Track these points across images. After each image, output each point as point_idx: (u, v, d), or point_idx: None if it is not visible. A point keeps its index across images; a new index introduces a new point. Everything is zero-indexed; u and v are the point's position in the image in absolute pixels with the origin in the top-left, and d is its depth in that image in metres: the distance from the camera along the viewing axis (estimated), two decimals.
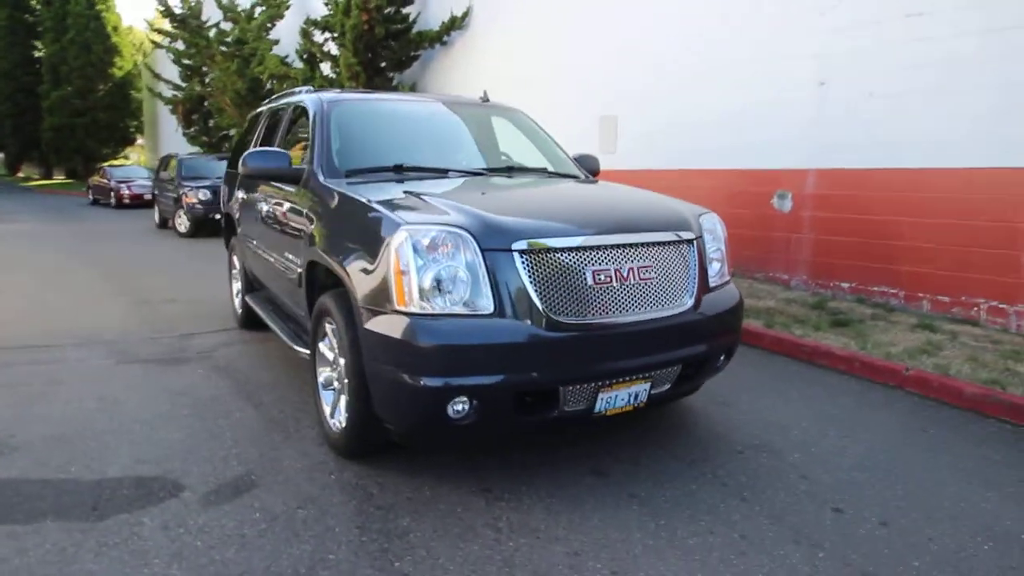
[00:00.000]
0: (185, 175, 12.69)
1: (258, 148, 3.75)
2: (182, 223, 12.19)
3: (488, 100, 4.67)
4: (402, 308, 2.59)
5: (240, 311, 5.45)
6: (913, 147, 5.33)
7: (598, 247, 2.76)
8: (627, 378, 2.79)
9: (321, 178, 3.47)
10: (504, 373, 2.58)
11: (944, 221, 5.21)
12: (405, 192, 3.12)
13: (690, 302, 2.96)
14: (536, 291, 2.61)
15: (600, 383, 2.73)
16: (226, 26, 15.99)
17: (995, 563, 2.36)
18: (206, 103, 18.28)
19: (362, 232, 2.87)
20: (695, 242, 3.07)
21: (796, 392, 4.06)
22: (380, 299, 2.66)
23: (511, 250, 2.63)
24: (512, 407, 2.65)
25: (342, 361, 3.05)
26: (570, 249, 2.71)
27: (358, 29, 9.72)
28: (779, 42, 6.25)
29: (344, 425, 3.02)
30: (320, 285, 3.42)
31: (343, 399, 3.09)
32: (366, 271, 2.76)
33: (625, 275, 2.78)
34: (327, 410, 3.25)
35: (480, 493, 2.79)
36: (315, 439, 3.30)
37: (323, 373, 3.32)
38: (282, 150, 3.72)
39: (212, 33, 16.68)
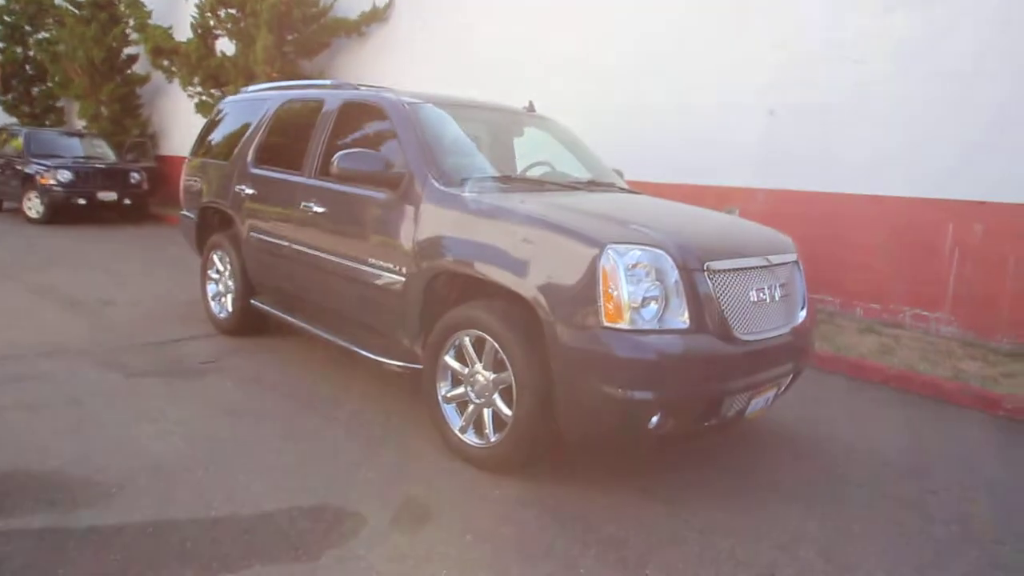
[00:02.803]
0: (35, 152, 10.90)
1: (354, 149, 3.49)
2: (33, 207, 10.48)
3: (534, 110, 4.72)
4: (611, 325, 2.66)
5: (226, 316, 4.97)
6: (853, 173, 6.19)
7: (758, 268, 3.03)
8: (768, 385, 3.10)
9: (439, 186, 3.36)
10: (705, 385, 2.76)
11: (876, 240, 6.12)
12: (558, 206, 3.15)
13: (804, 316, 3.33)
14: (723, 309, 2.82)
15: (755, 391, 3.00)
16: None
17: None
18: (28, 67, 15.73)
19: (545, 248, 2.85)
20: (800, 263, 3.45)
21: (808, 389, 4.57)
22: (582, 315, 2.70)
23: (703, 270, 2.80)
24: (705, 415, 2.83)
25: (490, 375, 3.02)
26: (742, 270, 2.95)
27: (277, 8, 9.02)
28: (734, 73, 6.89)
29: (498, 439, 2.99)
30: (436, 298, 3.32)
31: (487, 412, 3.06)
32: (559, 287, 2.77)
33: (774, 293, 3.08)
34: (456, 424, 3.18)
35: (659, 502, 2.92)
36: (439, 454, 3.19)
37: (446, 387, 3.23)
38: (377, 152, 3.51)
39: None
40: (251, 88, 5.37)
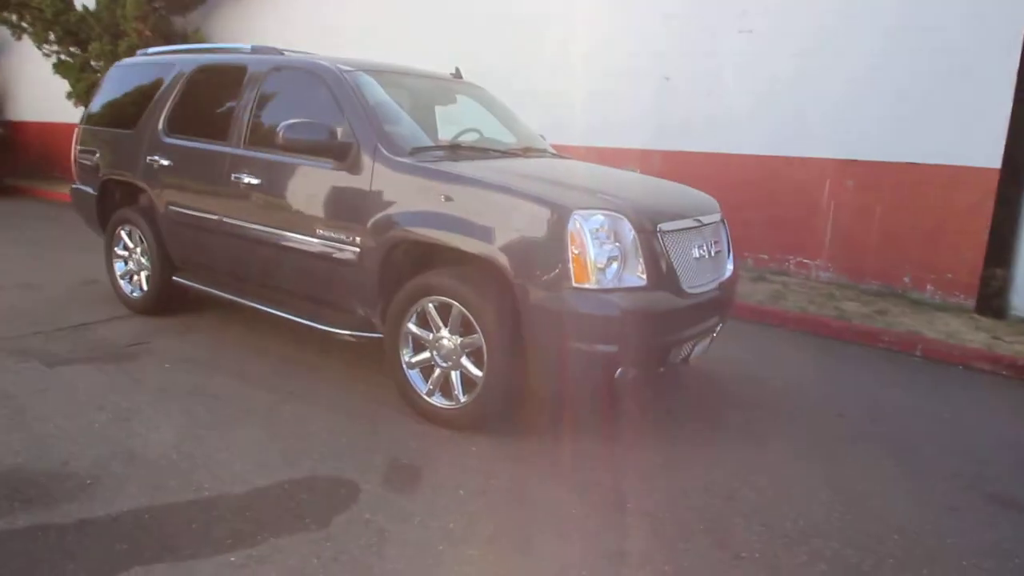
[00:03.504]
0: None
1: (301, 120, 3.39)
2: None
3: (461, 76, 4.75)
4: (579, 285, 2.86)
5: (141, 295, 4.71)
6: (742, 135, 6.73)
7: (697, 227, 3.34)
8: (706, 333, 3.44)
9: (390, 155, 3.37)
10: (661, 336, 3.05)
11: (763, 196, 6.72)
12: (514, 173, 3.28)
13: (731, 268, 3.70)
14: (674, 266, 3.10)
15: (697, 339, 3.34)
16: None
17: None
18: None
19: (512, 214, 2.98)
20: (724, 221, 3.81)
21: None
22: (552, 277, 2.87)
23: (656, 231, 3.06)
24: (659, 363, 3.12)
25: (457, 339, 3.15)
26: (686, 230, 3.24)
27: None
28: (628, 40, 7.20)
29: (468, 399, 3.13)
30: (394, 267, 3.37)
31: (454, 375, 3.20)
32: (528, 252, 2.92)
33: (710, 250, 3.41)
34: (423, 389, 3.29)
35: (622, 445, 3.19)
36: (407, 418, 3.29)
37: (409, 354, 3.32)
38: (323, 123, 3.45)
39: None
40: (151, 51, 4.99)
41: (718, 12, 6.73)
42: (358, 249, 3.43)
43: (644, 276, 2.98)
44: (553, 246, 2.88)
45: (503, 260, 2.96)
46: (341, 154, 3.47)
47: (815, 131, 6.39)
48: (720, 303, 3.50)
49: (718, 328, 3.64)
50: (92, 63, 9.38)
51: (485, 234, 3.03)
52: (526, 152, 4.17)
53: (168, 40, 8.96)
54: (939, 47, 5.72)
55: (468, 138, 4.21)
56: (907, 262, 6.09)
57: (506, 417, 3.23)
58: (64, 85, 9.84)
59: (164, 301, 4.66)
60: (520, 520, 2.52)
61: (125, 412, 3.20)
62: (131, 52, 8.57)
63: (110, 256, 4.90)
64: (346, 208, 3.48)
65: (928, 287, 6.02)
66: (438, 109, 4.48)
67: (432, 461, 2.92)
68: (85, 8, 9.45)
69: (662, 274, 3.05)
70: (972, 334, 5.11)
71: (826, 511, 2.71)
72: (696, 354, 3.44)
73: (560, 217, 2.88)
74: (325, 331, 3.62)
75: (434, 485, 2.72)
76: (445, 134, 4.24)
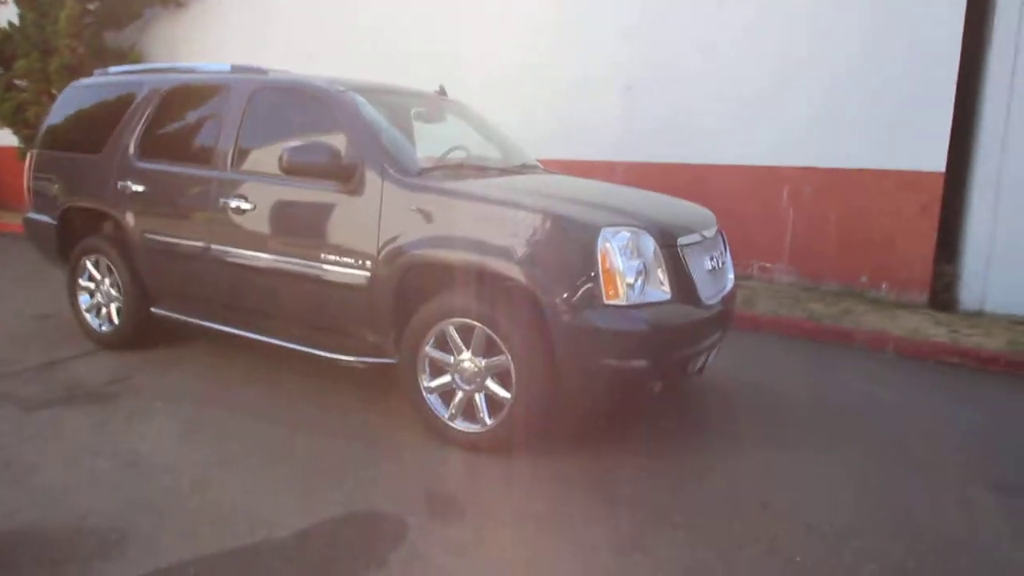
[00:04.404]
0: None
1: (304, 141, 3.27)
2: None
3: (445, 94, 4.70)
4: (612, 302, 2.87)
5: (111, 328, 4.43)
6: (703, 146, 6.93)
7: (706, 241, 3.41)
8: (716, 342, 3.52)
9: (398, 175, 3.30)
10: (686, 348, 3.09)
11: (726, 203, 6.89)
12: (527, 192, 3.27)
13: (731, 279, 3.80)
14: (693, 279, 3.15)
15: (710, 348, 3.40)
16: None
17: None
18: None
19: (539, 233, 2.96)
20: (723, 233, 3.91)
21: None
22: (583, 295, 2.87)
23: (676, 245, 3.11)
24: (683, 374, 3.17)
25: (481, 361, 3.10)
26: (697, 244, 3.30)
27: None
28: (592, 57, 7.31)
29: (496, 421, 3.08)
30: (409, 290, 3.29)
31: (478, 397, 3.15)
32: (557, 271, 2.90)
33: (718, 262, 3.49)
34: (444, 414, 3.22)
35: (648, 457, 3.22)
36: (428, 443, 3.22)
37: (427, 378, 3.25)
38: (328, 144, 3.34)
39: None
40: (112, 70, 4.71)
41: (674, 28, 6.92)
42: (368, 273, 3.34)
43: (667, 290, 3.03)
44: (583, 264, 2.88)
45: (530, 280, 2.94)
46: (346, 176, 3.37)
47: (772, 139, 6.66)
48: (726, 314, 3.59)
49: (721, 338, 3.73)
50: (16, 82, 8.78)
51: (509, 254, 3.00)
52: (522, 169, 4.17)
53: (101, 58, 8.50)
54: (887, 61, 6.08)
55: (456, 156, 4.17)
56: (863, 263, 6.42)
57: (532, 438, 3.20)
58: None
59: (139, 334, 4.40)
60: (576, 543, 2.49)
61: (126, 457, 3.00)
62: (64, 71, 8.11)
63: (73, 288, 4.58)
64: (354, 231, 3.37)
65: (883, 285, 6.36)
66: (420, 127, 4.42)
67: (466, 488, 2.86)
68: (10, 24, 8.83)
69: (683, 287, 3.10)
70: (934, 329, 5.42)
71: (857, 510, 2.80)
72: (708, 364, 3.51)
73: (589, 235, 2.89)
74: (330, 359, 3.50)
75: (478, 513, 2.66)
76: (429, 152, 4.18)
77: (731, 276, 3.79)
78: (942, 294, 6.22)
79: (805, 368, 4.76)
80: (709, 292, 3.30)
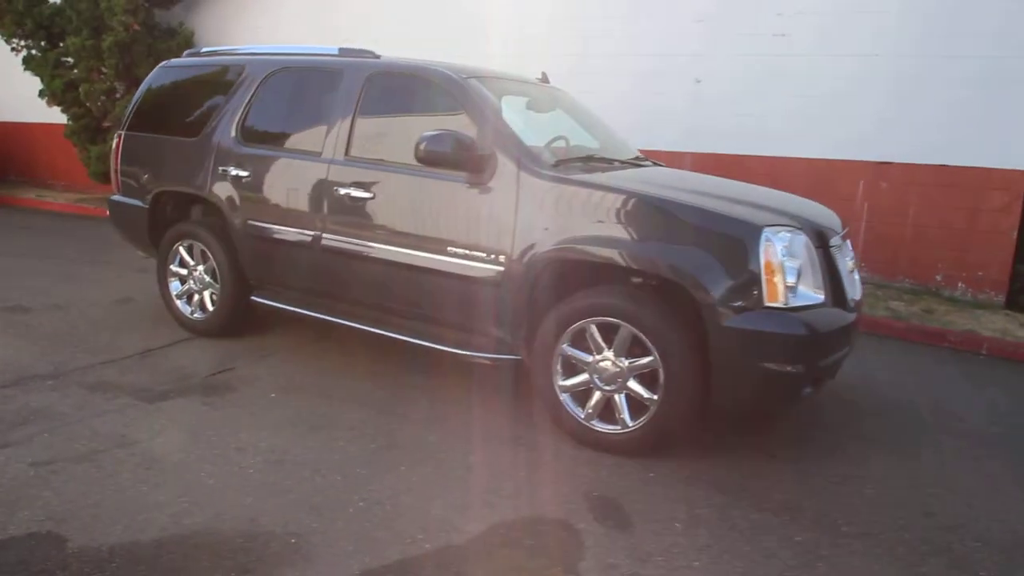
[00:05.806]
0: None
1: (441, 131, 3.17)
2: None
3: (548, 81, 4.59)
4: (773, 305, 2.79)
5: (204, 316, 4.36)
6: (776, 138, 6.81)
7: (844, 243, 3.33)
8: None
9: (536, 167, 3.21)
10: (837, 352, 3.02)
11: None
12: (666, 187, 3.18)
13: (859, 282, 3.70)
14: (842, 281, 3.08)
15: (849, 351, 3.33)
16: None
17: None
18: None
19: (697, 232, 2.88)
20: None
21: None
22: (744, 297, 2.79)
23: (829, 247, 3.03)
24: (831, 377, 3.10)
25: (624, 361, 3.02)
26: (840, 245, 3.22)
27: None
28: (664, 44, 7.17)
29: (639, 422, 3.02)
30: (543, 286, 3.20)
31: (619, 398, 3.07)
32: (718, 271, 2.82)
33: (854, 262, 3.41)
34: (581, 414, 3.15)
35: (785, 462, 3.16)
36: (565, 444, 3.15)
37: (561, 377, 3.17)
38: (465, 134, 3.24)
39: None
40: (204, 50, 4.60)
41: (751, 15, 6.78)
42: (501, 268, 3.25)
43: (822, 293, 2.95)
44: (744, 265, 2.79)
45: (686, 280, 2.86)
46: (479, 167, 3.28)
47: (847, 133, 6.55)
48: (860, 318, 3.51)
49: None
50: (65, 59, 8.63)
51: (663, 252, 2.91)
52: (641, 161, 4.07)
53: (152, 36, 8.35)
54: (975, 55, 5.94)
55: (557, 146, 4.07)
56: (939, 261, 6.33)
57: (675, 440, 3.14)
58: (35, 83, 9.03)
59: (233, 322, 4.33)
60: (752, 551, 2.44)
61: (269, 453, 2.93)
62: (117, 48, 7.96)
63: (164, 274, 4.50)
64: (485, 224, 3.29)
65: (960, 285, 6.28)
66: (532, 116, 4.29)
67: (624, 492, 2.79)
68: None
69: (834, 289, 3.03)
70: (1020, 331, 5.35)
71: (1020, 520, 2.74)
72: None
73: (751, 235, 2.80)
74: (455, 354, 3.43)
75: (645, 519, 2.60)
76: (540, 142, 4.08)
77: (858, 278, 3.71)
78: (1019, 295, 6.14)
79: (907, 369, 4.68)
80: (852, 294, 3.23)
